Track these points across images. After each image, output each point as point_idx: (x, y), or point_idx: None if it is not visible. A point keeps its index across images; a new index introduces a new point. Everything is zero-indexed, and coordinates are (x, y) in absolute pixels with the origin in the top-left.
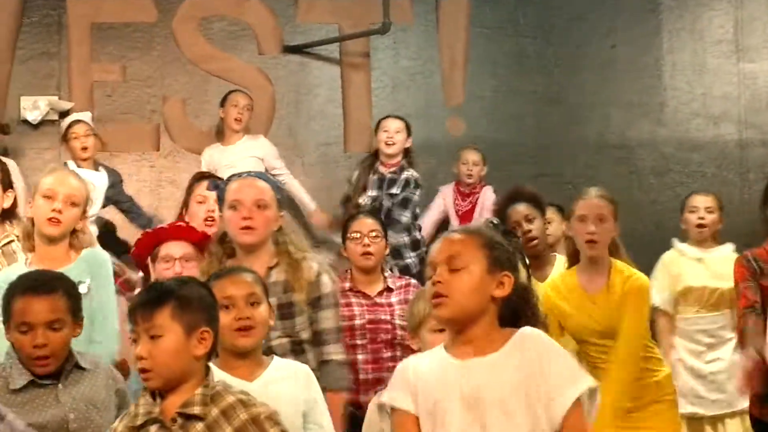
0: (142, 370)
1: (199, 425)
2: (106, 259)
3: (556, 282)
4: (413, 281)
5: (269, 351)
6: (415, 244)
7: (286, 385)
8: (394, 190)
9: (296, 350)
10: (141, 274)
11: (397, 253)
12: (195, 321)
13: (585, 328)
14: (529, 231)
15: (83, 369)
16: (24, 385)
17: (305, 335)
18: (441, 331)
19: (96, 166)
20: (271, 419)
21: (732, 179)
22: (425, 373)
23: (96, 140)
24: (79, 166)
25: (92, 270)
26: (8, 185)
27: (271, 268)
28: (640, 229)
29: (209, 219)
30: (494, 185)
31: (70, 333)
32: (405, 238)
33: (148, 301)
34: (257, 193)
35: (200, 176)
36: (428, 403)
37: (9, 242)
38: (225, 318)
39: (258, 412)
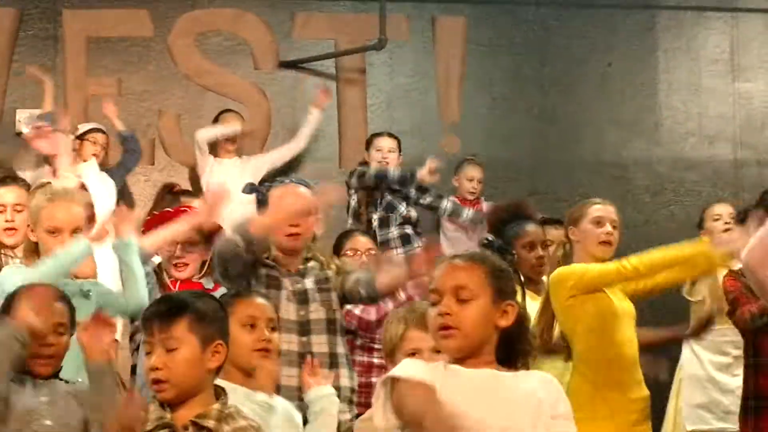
0: (157, 381)
1: None
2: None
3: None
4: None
5: (306, 324)
6: (405, 239)
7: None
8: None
9: (330, 329)
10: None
11: (385, 246)
12: (211, 334)
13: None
14: (542, 257)
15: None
16: None
17: (339, 315)
18: (413, 354)
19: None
20: None
21: (726, 199)
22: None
23: (105, 155)
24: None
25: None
26: None
27: (307, 260)
28: (633, 248)
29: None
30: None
31: (69, 342)
32: (395, 231)
33: (165, 312)
34: (302, 201)
35: (167, 190)
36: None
37: None
38: (247, 337)
39: None
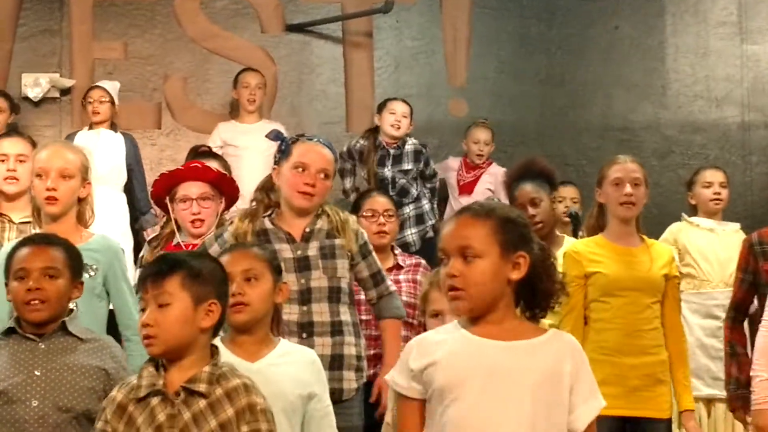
0: (146, 337)
1: (202, 402)
2: (118, 250)
3: (582, 242)
4: (423, 261)
5: (307, 293)
6: (420, 218)
7: (289, 368)
8: (406, 166)
9: (332, 298)
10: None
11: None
12: (204, 293)
13: (620, 278)
14: (533, 216)
15: (74, 336)
16: (5, 332)
17: (344, 284)
18: (436, 316)
19: (114, 128)
20: (265, 413)
21: (734, 161)
22: (439, 349)
23: (110, 108)
24: (91, 128)
25: (105, 260)
26: None
27: (317, 217)
28: (641, 212)
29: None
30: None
31: (67, 287)
32: (411, 210)
33: (159, 269)
34: (324, 162)
35: (196, 152)
36: (441, 378)
37: (28, 222)
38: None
39: (256, 401)
